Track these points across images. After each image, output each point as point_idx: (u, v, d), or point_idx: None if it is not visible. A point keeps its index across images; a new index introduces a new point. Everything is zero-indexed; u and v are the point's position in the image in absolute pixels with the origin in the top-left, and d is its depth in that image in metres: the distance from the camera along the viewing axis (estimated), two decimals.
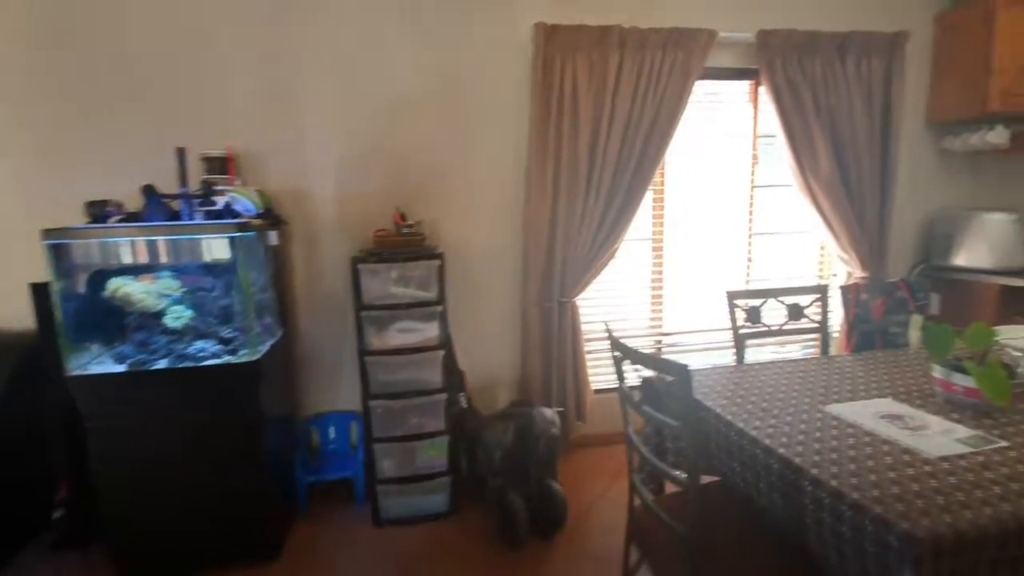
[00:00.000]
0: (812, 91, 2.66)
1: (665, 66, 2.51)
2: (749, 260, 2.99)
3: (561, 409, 2.42)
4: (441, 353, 2.16)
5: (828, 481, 1.07)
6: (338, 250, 2.44)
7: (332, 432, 2.60)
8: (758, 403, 1.47)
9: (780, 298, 1.96)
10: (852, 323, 1.91)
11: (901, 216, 2.98)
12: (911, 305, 2.00)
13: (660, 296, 2.92)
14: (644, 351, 1.52)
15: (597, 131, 2.49)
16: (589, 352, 2.82)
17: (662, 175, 2.80)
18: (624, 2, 2.51)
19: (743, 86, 2.84)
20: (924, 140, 2.97)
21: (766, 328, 1.96)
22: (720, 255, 2.96)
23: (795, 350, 3.02)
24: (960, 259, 2.83)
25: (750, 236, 2.97)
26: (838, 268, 2.98)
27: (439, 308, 2.13)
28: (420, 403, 2.17)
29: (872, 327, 1.93)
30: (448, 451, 2.23)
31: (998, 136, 2.69)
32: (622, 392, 1.43)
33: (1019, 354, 1.46)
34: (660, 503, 1.40)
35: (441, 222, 2.57)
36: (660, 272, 2.90)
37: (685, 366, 1.14)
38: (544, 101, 2.46)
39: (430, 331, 2.15)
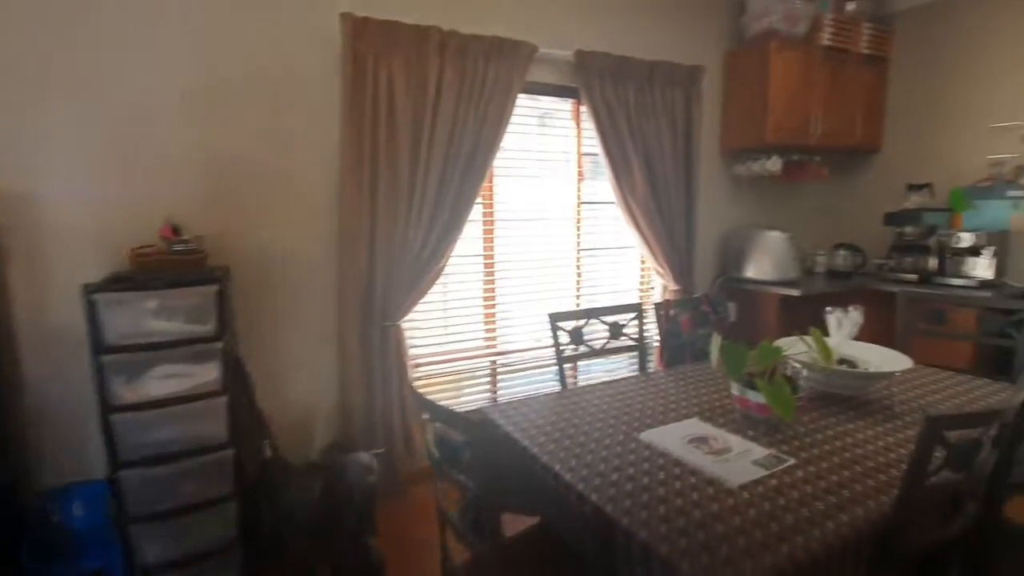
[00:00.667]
0: (627, 114, 2.78)
1: (489, 76, 2.41)
2: (579, 276, 3.03)
3: (381, 451, 2.15)
4: (224, 399, 1.76)
5: (639, 533, 0.97)
6: (83, 273, 1.88)
7: (78, 508, 1.99)
8: (576, 436, 1.38)
9: (601, 317, 1.94)
10: (664, 339, 1.98)
11: (703, 233, 3.27)
12: (712, 317, 2.14)
13: (493, 315, 2.81)
14: (447, 406, 1.31)
15: (419, 139, 2.29)
16: (419, 379, 2.59)
17: (490, 189, 2.71)
18: (443, 1, 2.36)
19: (567, 104, 2.88)
20: (719, 165, 3.31)
21: (590, 349, 1.93)
22: (552, 271, 2.95)
23: (622, 366, 3.11)
24: (750, 271, 3.19)
25: (579, 252, 3.01)
26: (657, 282, 3.17)
27: (218, 344, 1.72)
28: (196, 465, 1.73)
29: (682, 341, 2.02)
30: (238, 518, 1.82)
31: (774, 165, 3.09)
32: (428, 454, 1.23)
33: (799, 367, 1.57)
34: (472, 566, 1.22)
35: (241, 235, 2.14)
36: (492, 290, 2.79)
37: (481, 423, 0.96)
38: (357, 103, 2.19)
39: (207, 373, 1.73)
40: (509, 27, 2.46)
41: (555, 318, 1.86)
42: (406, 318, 2.41)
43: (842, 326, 1.67)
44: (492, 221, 2.74)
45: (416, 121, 2.28)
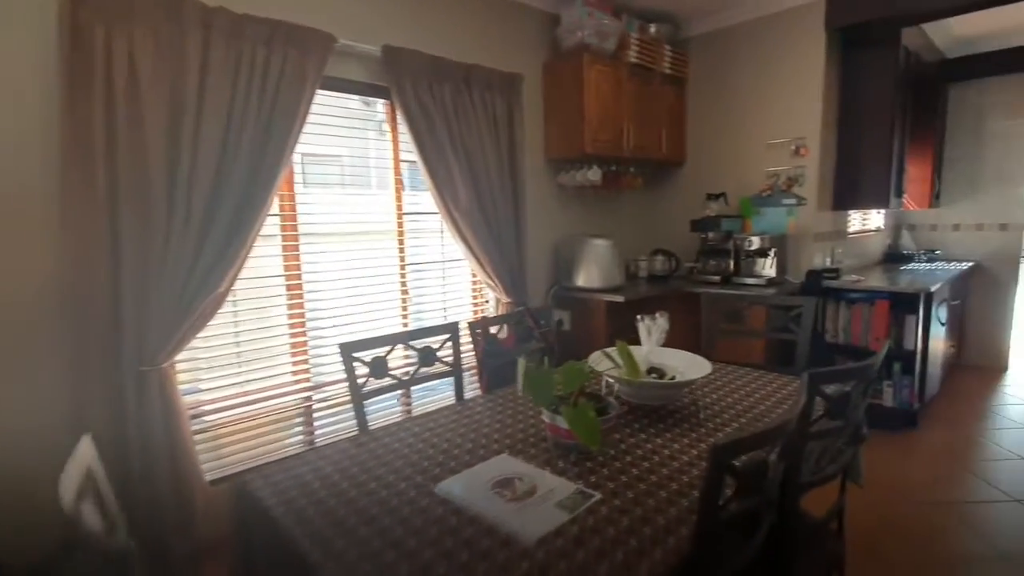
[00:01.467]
0: (445, 119, 2.60)
1: (274, 64, 2.05)
2: (405, 294, 2.77)
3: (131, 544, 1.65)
4: None
5: None
6: None
7: None
8: (357, 502, 1.11)
9: (411, 343, 1.71)
10: (482, 361, 1.82)
11: (535, 243, 3.24)
12: (535, 331, 2.04)
13: (303, 344, 2.43)
14: None
15: (178, 135, 1.85)
16: (205, 431, 2.12)
17: (292, 199, 2.33)
18: None
19: (381, 105, 2.62)
20: (545, 175, 3.31)
21: (395, 380, 1.69)
22: (373, 290, 2.65)
23: (439, 394, 2.88)
24: (580, 279, 3.21)
25: (403, 268, 2.75)
26: (491, 296, 3.04)
27: None
28: None
29: (506, 359, 1.87)
30: None
31: (594, 175, 3.16)
32: None
33: (612, 381, 1.49)
34: None
35: None
36: (301, 316, 2.41)
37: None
38: (82, 85, 1.69)
39: None
40: (299, 12, 2.13)
41: (348, 349, 1.58)
42: (176, 358, 1.93)
43: (651, 333, 1.64)
44: (295, 236, 2.37)
45: (174, 114, 1.84)
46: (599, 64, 3.06)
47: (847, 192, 3.40)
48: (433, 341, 1.76)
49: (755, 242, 3.26)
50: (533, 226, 3.20)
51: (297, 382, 2.42)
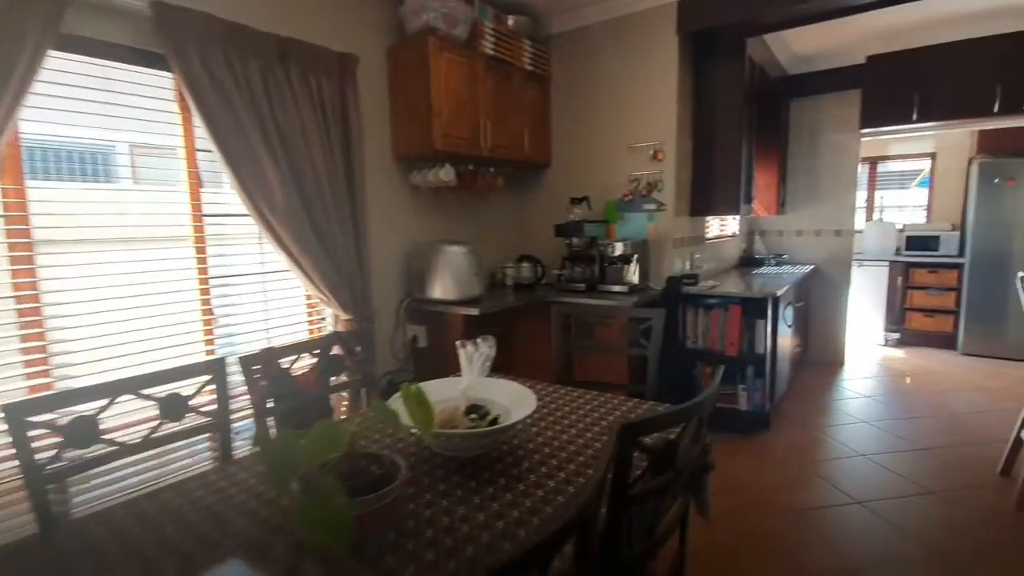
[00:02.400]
0: (252, 101, 2.14)
1: None
2: (209, 314, 2.25)
3: None
4: None
5: None
6: None
7: None
8: None
9: (143, 391, 1.25)
10: (259, 408, 1.40)
11: (384, 250, 2.86)
12: (348, 361, 1.66)
13: (48, 386, 1.83)
14: None
15: None
16: None
17: (20, 193, 1.74)
18: None
19: (167, 79, 2.09)
20: (395, 174, 2.94)
21: (113, 447, 1.22)
22: (161, 311, 2.10)
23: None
24: (436, 291, 2.88)
25: (205, 282, 2.23)
26: (328, 313, 2.60)
27: None
28: None
29: (301, 402, 1.48)
30: None
31: (447, 174, 2.85)
32: None
33: (414, 431, 1.16)
34: None
35: None
36: (42, 349, 1.82)
37: None
38: None
39: None
40: None
41: (18, 412, 1.09)
42: None
43: (473, 362, 1.35)
44: (28, 244, 1.78)
45: None
46: (450, 52, 2.76)
47: (703, 198, 3.42)
48: (186, 385, 1.32)
49: (619, 248, 3.15)
50: (382, 231, 2.82)
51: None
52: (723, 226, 4.52)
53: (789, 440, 3.09)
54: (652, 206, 3.25)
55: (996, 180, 4.62)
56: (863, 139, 4.48)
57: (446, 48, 2.74)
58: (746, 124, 3.44)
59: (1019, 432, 2.53)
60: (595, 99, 3.43)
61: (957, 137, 5.33)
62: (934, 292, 5.10)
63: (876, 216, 5.84)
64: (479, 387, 1.35)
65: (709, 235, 4.12)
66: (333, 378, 1.63)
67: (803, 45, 4.12)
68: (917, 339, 5.23)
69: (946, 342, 5.07)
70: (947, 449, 2.91)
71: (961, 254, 5.00)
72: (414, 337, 2.97)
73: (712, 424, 3.13)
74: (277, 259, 2.37)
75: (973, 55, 3.69)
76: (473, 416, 1.28)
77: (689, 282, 3.23)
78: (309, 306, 2.65)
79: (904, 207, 5.86)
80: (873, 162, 5.93)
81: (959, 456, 2.82)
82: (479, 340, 1.38)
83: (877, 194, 6.01)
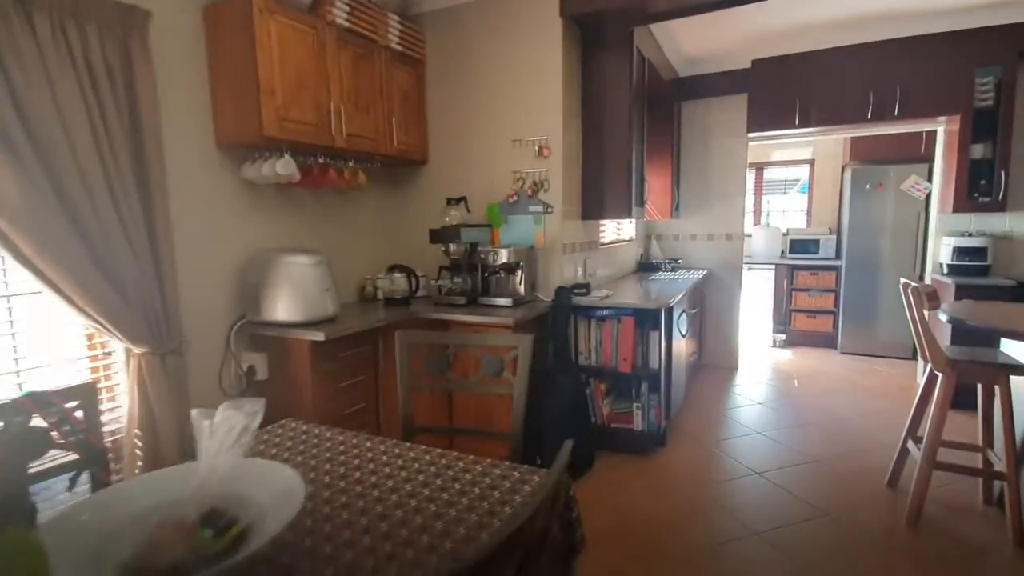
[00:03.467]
0: None
1: None
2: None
3: None
4: None
5: None
6: None
7: None
8: None
9: None
10: None
11: (205, 263, 2.28)
12: (64, 437, 1.12)
13: None
14: None
15: None
16: None
17: None
18: None
19: None
20: (220, 166, 2.36)
21: None
22: None
23: None
24: (277, 311, 2.34)
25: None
26: (117, 346, 1.98)
27: None
28: None
29: None
30: None
31: (285, 167, 2.32)
32: None
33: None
34: None
35: None
36: None
37: None
38: None
39: None
40: None
41: None
42: None
43: (216, 438, 0.88)
44: None
45: None
46: (285, 16, 2.24)
47: (594, 200, 3.16)
48: None
49: (503, 255, 2.78)
50: (202, 238, 2.25)
51: None
52: (620, 230, 4.34)
53: (686, 459, 2.89)
54: (539, 208, 2.92)
55: (867, 186, 4.85)
56: (751, 144, 4.49)
57: (279, 10, 2.22)
58: (637, 123, 3.22)
59: (904, 442, 2.47)
60: (475, 87, 3.05)
61: (832, 144, 5.59)
62: (815, 294, 5.29)
63: (763, 220, 6.01)
64: (227, 479, 0.88)
65: (605, 240, 3.89)
66: (37, 461, 1.09)
67: (692, 45, 4.02)
68: (802, 339, 5.41)
69: (827, 341, 5.27)
70: (836, 459, 2.84)
71: (838, 256, 5.23)
72: (250, 368, 2.41)
73: (607, 445, 2.83)
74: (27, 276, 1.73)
75: (848, 62, 3.76)
76: (208, 531, 0.82)
77: (580, 292, 2.93)
78: (90, 337, 2.01)
79: (788, 212, 6.09)
80: (759, 168, 6.11)
81: (848, 468, 2.74)
82: (230, 405, 0.91)
83: (764, 199, 6.20)
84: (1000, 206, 3.49)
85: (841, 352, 5.08)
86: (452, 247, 2.81)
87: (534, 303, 2.85)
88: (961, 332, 2.95)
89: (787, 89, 3.96)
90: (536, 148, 2.89)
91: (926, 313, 2.14)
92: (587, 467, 2.76)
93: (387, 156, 2.88)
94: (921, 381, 2.39)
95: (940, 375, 2.17)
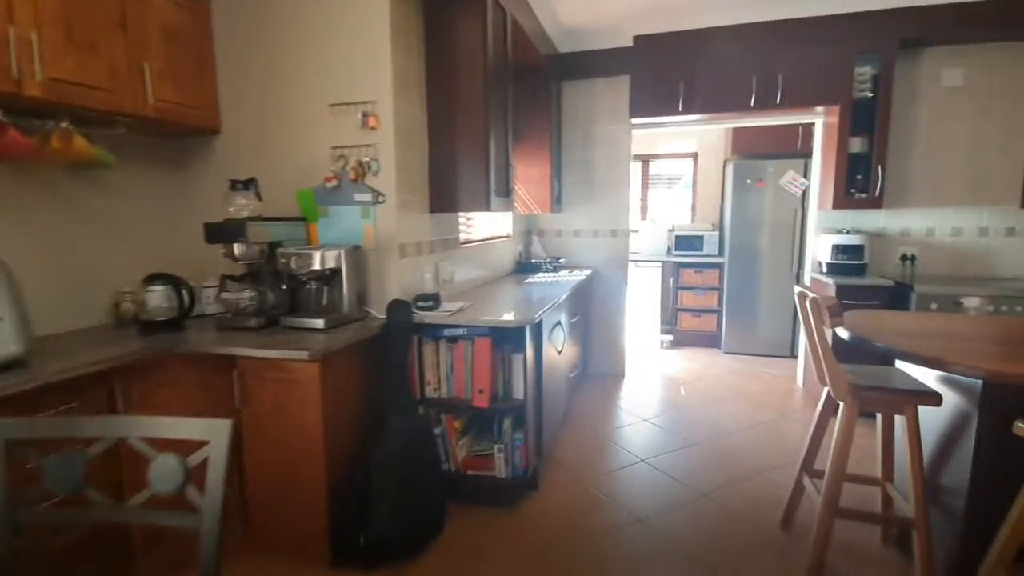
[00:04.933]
0: None
1: None
2: None
3: None
4: None
5: None
6: None
7: None
8: None
9: None
10: None
11: None
12: None
13: None
14: None
15: None
16: None
17: None
18: None
19: None
20: None
21: None
22: None
23: None
24: None
25: None
26: None
27: None
28: None
29: None
30: None
31: None
32: None
33: None
34: None
35: None
36: None
37: None
38: None
39: None
40: None
41: None
42: None
43: None
44: None
45: None
46: None
47: (445, 189, 2.51)
48: None
49: (315, 259, 2.05)
50: None
51: None
52: (496, 225, 3.76)
53: (560, 506, 2.36)
54: (366, 196, 2.22)
55: (747, 181, 4.70)
56: (635, 131, 4.11)
57: None
58: (499, 98, 2.63)
59: (800, 477, 2.11)
60: (282, 33, 2.27)
61: (715, 137, 5.45)
62: (699, 292, 5.11)
63: (650, 216, 5.76)
64: None
65: (474, 237, 3.28)
66: None
67: (570, 13, 3.51)
68: (689, 339, 5.21)
69: (712, 341, 5.12)
70: (726, 491, 2.46)
71: (721, 253, 5.08)
72: None
73: (464, 497, 2.08)
74: None
75: (731, 44, 3.45)
76: None
77: (425, 305, 2.28)
78: None
79: (674, 207, 5.90)
80: (645, 160, 5.86)
81: (739, 504, 2.37)
82: None
83: (650, 194, 5.96)
84: (877, 203, 3.36)
85: (725, 352, 4.93)
86: (238, 248, 2.03)
87: (363, 322, 2.16)
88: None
89: (670, 71, 3.59)
90: (360, 117, 2.18)
91: (827, 331, 1.75)
92: (435, 532, 2.13)
93: (142, 119, 2.01)
94: (817, 409, 2.04)
95: (841, 404, 1.80)
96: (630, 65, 3.72)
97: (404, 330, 2.17)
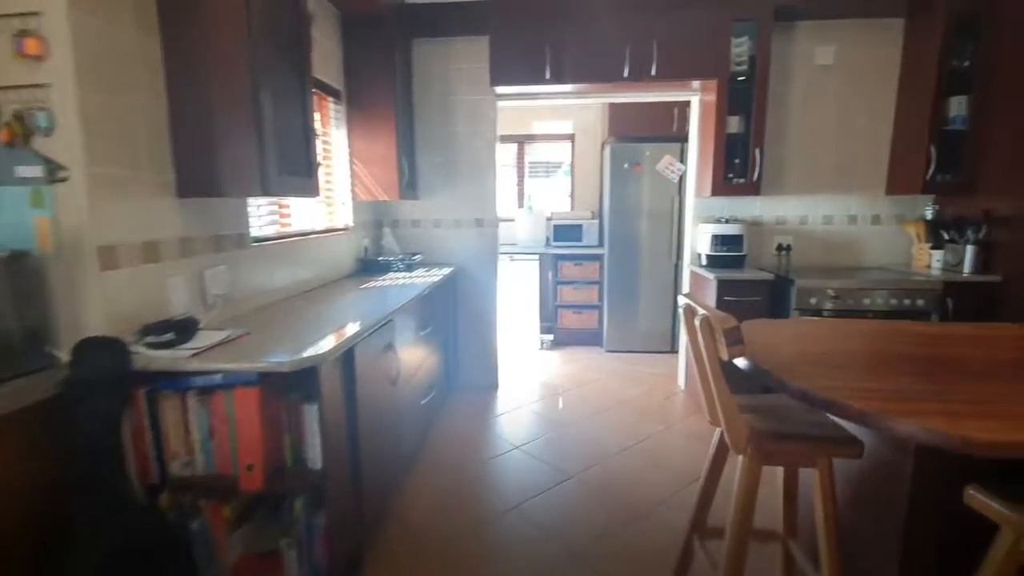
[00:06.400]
0: None
1: None
2: None
3: None
4: None
5: None
6: None
7: None
8: None
9: None
10: None
11: None
12: None
13: None
14: None
15: None
16: None
17: None
18: None
19: None
20: None
21: None
22: None
23: None
24: None
25: None
26: None
27: None
28: None
29: None
30: None
31: None
32: None
33: None
34: None
35: None
36: None
37: None
38: None
39: None
40: None
41: None
42: None
43: None
44: None
45: None
46: None
47: (197, 164, 1.70)
48: None
49: None
50: None
51: None
52: (332, 214, 2.97)
53: None
54: (33, 170, 1.35)
55: (625, 165, 4.34)
56: (502, 103, 3.52)
57: None
58: (285, 27, 1.86)
59: (689, 537, 1.65)
60: None
61: (592, 118, 5.06)
62: (580, 286, 4.70)
63: (527, 203, 5.26)
64: None
65: (290, 231, 2.48)
66: None
67: None
68: (570, 338, 4.81)
69: (594, 339, 4.76)
70: (604, 545, 1.97)
71: (602, 244, 4.71)
72: None
73: None
74: None
75: (602, 4, 2.96)
76: None
77: (159, 341, 1.48)
78: None
79: (553, 194, 5.45)
80: (520, 142, 5.33)
81: (620, 565, 1.88)
82: None
83: (529, 181, 5.46)
84: (755, 189, 3.09)
85: (607, 351, 4.59)
86: None
87: (43, 374, 1.31)
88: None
89: (535, 33, 3.04)
90: (14, 38, 1.31)
91: (723, 358, 1.26)
92: None
93: None
94: (708, 451, 1.58)
95: (740, 457, 1.34)
96: (490, 23, 3.10)
97: (110, 383, 1.36)
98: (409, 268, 3.23)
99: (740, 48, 2.99)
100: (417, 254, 3.45)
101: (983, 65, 2.80)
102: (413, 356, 2.49)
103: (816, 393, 1.08)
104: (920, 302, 2.76)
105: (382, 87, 3.04)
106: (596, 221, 4.81)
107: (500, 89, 3.31)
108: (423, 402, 2.68)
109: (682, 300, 1.46)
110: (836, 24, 3.14)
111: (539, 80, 3.09)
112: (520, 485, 2.44)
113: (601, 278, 4.63)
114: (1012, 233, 2.68)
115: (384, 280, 2.88)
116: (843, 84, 3.21)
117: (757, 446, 1.29)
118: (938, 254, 3.02)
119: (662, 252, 4.40)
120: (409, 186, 3.33)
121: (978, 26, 2.79)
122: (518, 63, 3.09)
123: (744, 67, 3.00)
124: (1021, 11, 2.61)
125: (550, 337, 4.73)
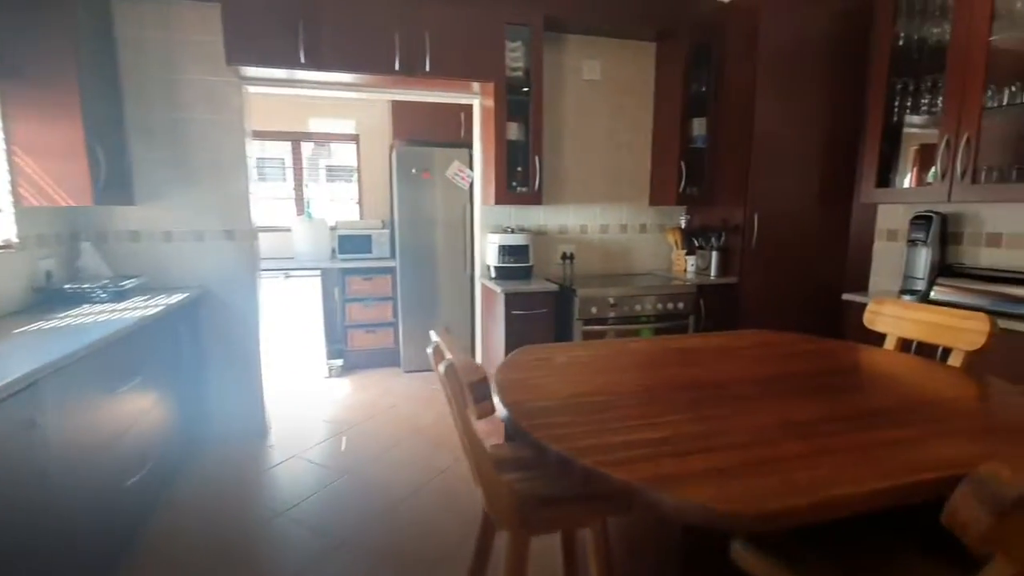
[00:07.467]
0: None
1: None
2: None
3: None
4: None
5: None
6: None
7: None
8: None
9: None
10: None
11: None
12: None
13: None
14: None
15: None
16: None
17: None
18: None
19: None
20: None
21: None
22: None
23: None
24: None
25: None
26: None
27: None
28: None
29: None
30: None
31: None
32: None
33: None
34: None
35: None
36: None
37: None
38: None
39: None
40: None
41: None
42: None
43: None
44: None
45: None
46: None
47: None
48: None
49: None
50: None
51: None
52: None
53: None
54: None
55: (413, 170, 4.02)
56: (253, 90, 2.89)
57: None
58: None
59: None
60: None
61: (377, 118, 4.63)
62: (371, 303, 4.25)
63: (306, 210, 4.60)
64: None
65: None
66: None
67: None
68: (363, 360, 4.31)
69: (391, 358, 4.34)
70: None
71: (394, 256, 4.32)
72: None
73: None
74: None
75: None
76: None
77: None
78: None
79: (339, 200, 4.87)
80: (296, 140, 4.65)
81: None
82: None
83: (315, 186, 4.79)
84: (537, 198, 3.02)
85: (405, 371, 4.22)
86: None
87: None
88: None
89: (285, 3, 2.51)
90: None
91: (475, 421, 0.97)
92: None
93: None
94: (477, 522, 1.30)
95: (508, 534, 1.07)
96: None
97: None
98: (118, 297, 2.42)
99: (516, 53, 2.89)
100: (134, 277, 2.62)
101: (717, 89, 3.14)
102: (102, 423, 1.78)
103: (575, 459, 0.85)
104: (680, 305, 2.97)
105: (57, 51, 2.20)
106: (387, 231, 4.40)
107: (246, 71, 2.70)
108: (129, 483, 1.96)
109: (433, 337, 1.15)
110: (601, 41, 3.26)
111: (292, 63, 2.57)
112: (278, 565, 1.91)
113: (395, 293, 4.24)
114: (741, 239, 3.04)
115: (72, 317, 2.06)
116: (609, 99, 3.35)
117: (523, 519, 1.03)
118: (691, 259, 3.32)
119: (458, 263, 4.19)
120: (115, 186, 2.50)
121: (710, 55, 3.12)
122: (263, 39, 2.52)
123: (520, 73, 2.91)
124: (739, 44, 2.98)
125: (339, 362, 4.17)
